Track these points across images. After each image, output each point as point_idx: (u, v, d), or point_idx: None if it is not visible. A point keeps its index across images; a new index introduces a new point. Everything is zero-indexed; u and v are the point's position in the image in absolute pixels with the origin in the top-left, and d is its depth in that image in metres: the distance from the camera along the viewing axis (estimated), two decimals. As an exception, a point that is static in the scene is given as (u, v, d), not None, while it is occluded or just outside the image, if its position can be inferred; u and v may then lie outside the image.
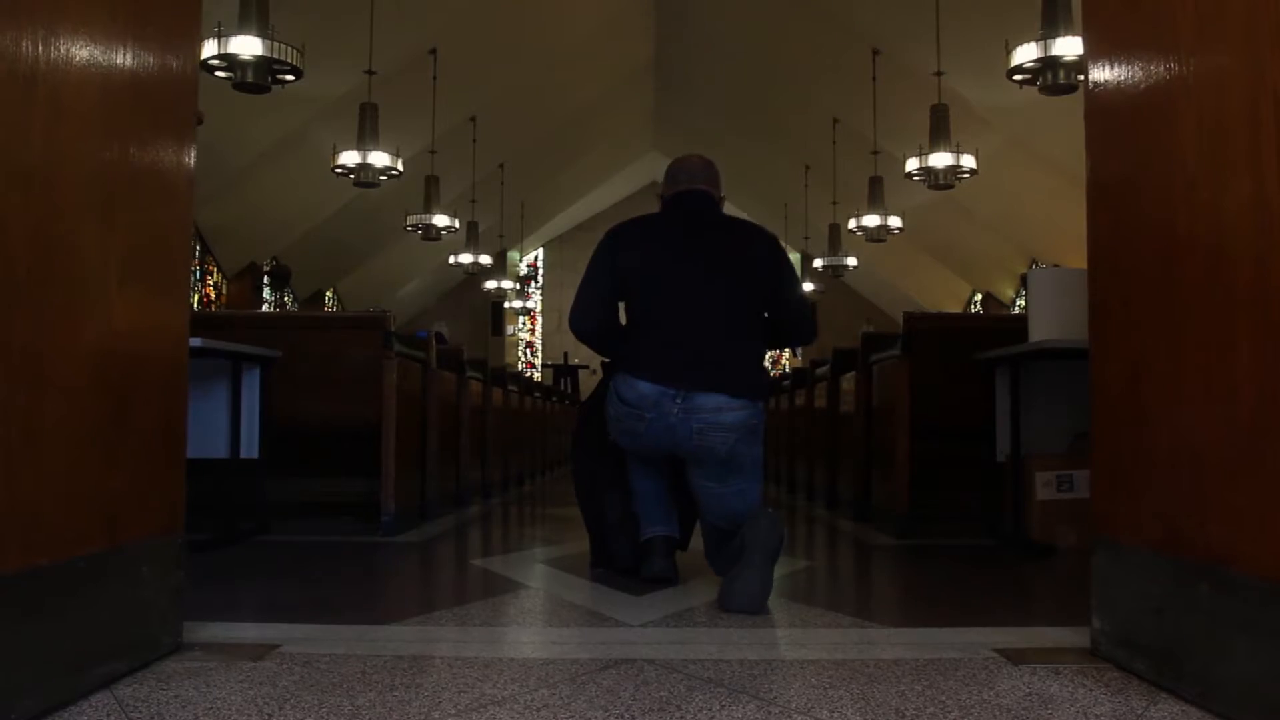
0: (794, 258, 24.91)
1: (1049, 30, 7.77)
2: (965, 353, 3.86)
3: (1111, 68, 2.16)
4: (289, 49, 8.31)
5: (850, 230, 15.07)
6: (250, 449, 3.58)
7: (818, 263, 18.79)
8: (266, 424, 3.74)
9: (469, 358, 5.39)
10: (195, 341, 3.14)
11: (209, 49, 8.10)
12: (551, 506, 5.99)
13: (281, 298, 19.30)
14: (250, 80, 8.32)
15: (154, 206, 2.07)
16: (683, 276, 2.84)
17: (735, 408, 2.74)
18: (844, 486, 5.23)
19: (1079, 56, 7.74)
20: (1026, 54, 7.83)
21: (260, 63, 8.22)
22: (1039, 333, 3.52)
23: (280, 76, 8.48)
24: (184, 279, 2.35)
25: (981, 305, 21.10)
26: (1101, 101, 2.20)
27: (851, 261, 17.62)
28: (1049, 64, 7.80)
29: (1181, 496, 1.80)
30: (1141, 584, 1.88)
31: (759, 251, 2.94)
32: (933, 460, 4.07)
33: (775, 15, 14.41)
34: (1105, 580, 2.01)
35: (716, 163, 3.19)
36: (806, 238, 20.09)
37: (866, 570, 3.76)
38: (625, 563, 3.08)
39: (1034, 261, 18.66)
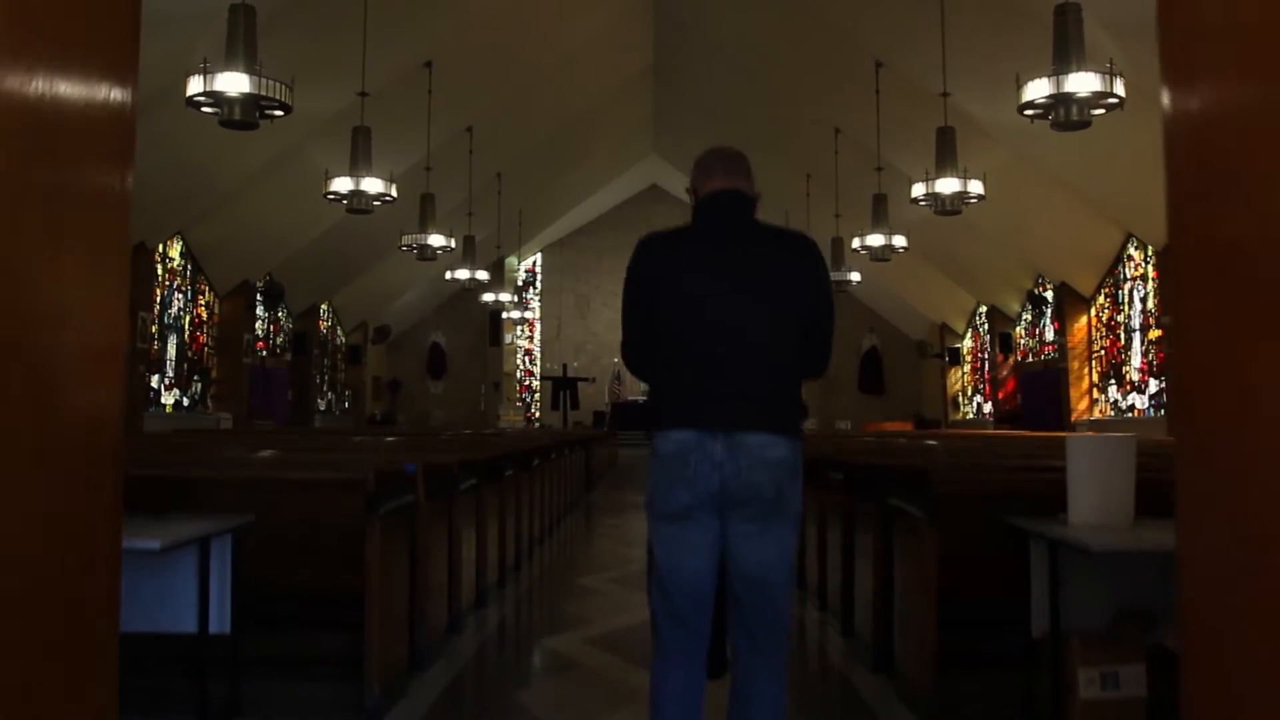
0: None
1: (1060, 66, 7.53)
2: (995, 513, 3.40)
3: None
4: (278, 85, 8.05)
5: (854, 249, 14.83)
6: (221, 623, 3.17)
7: (820, 276, 18.52)
8: (239, 594, 3.28)
9: (463, 459, 4.79)
10: (153, 544, 2.73)
11: (194, 86, 7.87)
12: (556, 631, 4.91)
13: (275, 315, 19.07)
14: (237, 118, 8.07)
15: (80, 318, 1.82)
16: (719, 298, 2.64)
17: (780, 444, 2.62)
18: (861, 616, 4.62)
19: (1092, 93, 7.51)
20: (1038, 90, 7.58)
21: (248, 100, 7.96)
22: (1079, 511, 3.11)
23: (269, 112, 8.22)
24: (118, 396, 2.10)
25: (986, 318, 20.88)
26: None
27: (855, 277, 17.38)
28: (1061, 100, 7.56)
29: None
30: None
31: (804, 269, 2.72)
32: (961, 633, 3.65)
33: (776, 24, 14.18)
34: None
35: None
36: (808, 249, 19.82)
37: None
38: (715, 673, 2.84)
39: (1039, 277, 18.44)
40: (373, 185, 11.28)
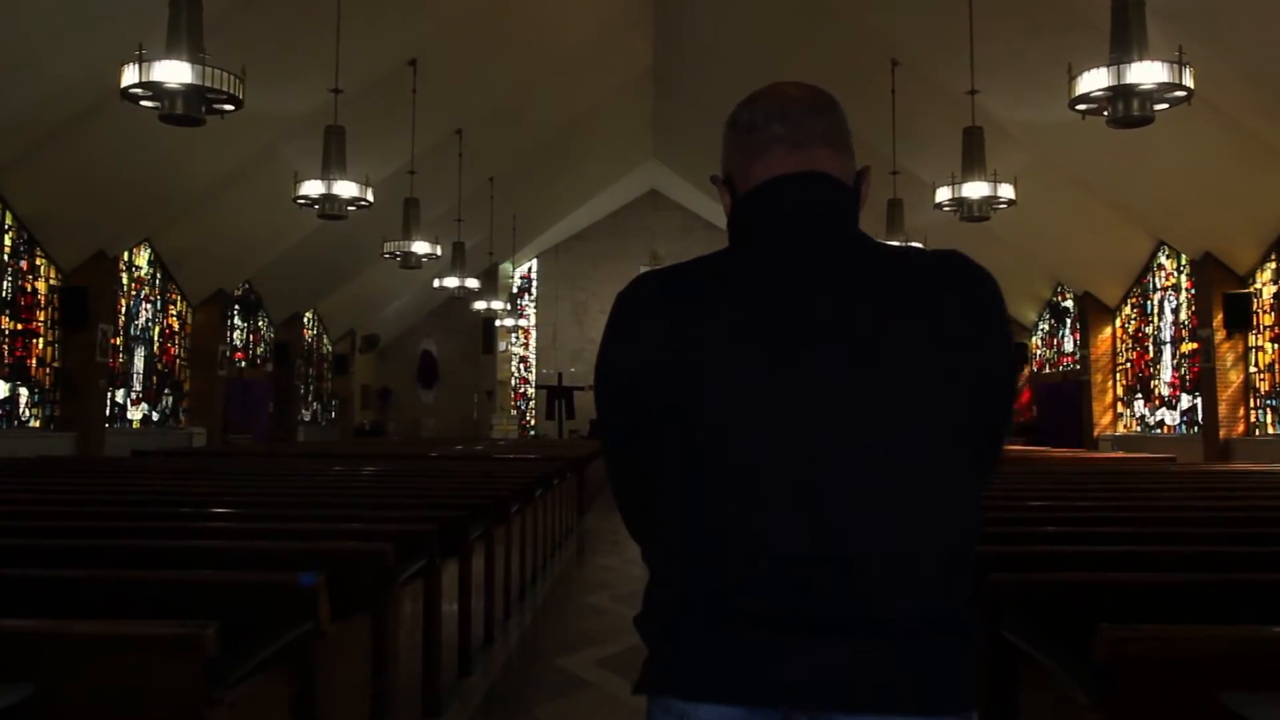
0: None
1: (1120, 55, 6.57)
2: (1197, 686, 2.02)
3: None
4: (226, 75, 7.09)
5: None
6: None
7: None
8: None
9: (407, 535, 3.55)
10: None
11: (129, 76, 6.91)
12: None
13: (255, 324, 18.10)
14: (180, 112, 7.11)
15: None
16: (797, 407, 1.26)
17: None
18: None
19: (1158, 85, 6.56)
20: (1095, 81, 6.62)
21: (191, 92, 7.00)
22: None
23: (216, 106, 7.27)
24: None
25: (1001, 326, 19.91)
26: None
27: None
28: (1121, 93, 6.60)
29: None
30: None
31: (977, 326, 1.33)
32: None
33: (782, 23, 13.23)
34: None
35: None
36: (815, 255, 18.88)
37: None
38: None
39: (1059, 286, 17.48)
40: (346, 189, 10.33)
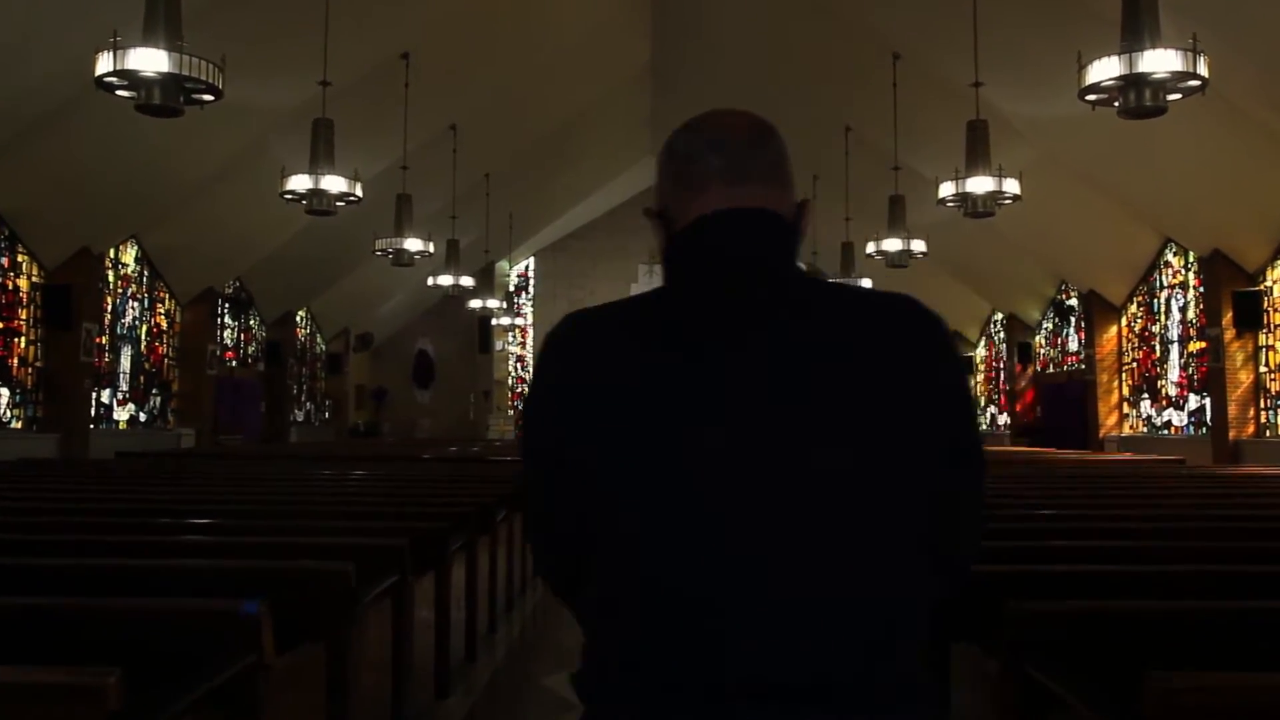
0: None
1: (1132, 42, 6.31)
2: None
3: None
4: (205, 65, 6.84)
5: (869, 255, 13.61)
6: None
7: (829, 283, 17.31)
8: None
9: (372, 551, 3.30)
10: None
11: (103, 64, 6.66)
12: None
13: (246, 323, 17.84)
14: (157, 101, 6.85)
15: None
16: (734, 460, 1.16)
17: None
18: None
19: (1172, 74, 6.30)
20: (1105, 70, 6.36)
21: (168, 81, 6.75)
22: None
23: (196, 96, 7.01)
24: None
25: (1003, 326, 19.63)
26: None
27: (866, 283, 16.15)
28: (1133, 83, 6.34)
29: None
30: None
31: (926, 377, 1.26)
32: None
33: (782, 17, 12.98)
34: None
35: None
36: (815, 253, 18.64)
37: None
38: None
39: (1063, 284, 17.24)
40: (335, 184, 10.07)
